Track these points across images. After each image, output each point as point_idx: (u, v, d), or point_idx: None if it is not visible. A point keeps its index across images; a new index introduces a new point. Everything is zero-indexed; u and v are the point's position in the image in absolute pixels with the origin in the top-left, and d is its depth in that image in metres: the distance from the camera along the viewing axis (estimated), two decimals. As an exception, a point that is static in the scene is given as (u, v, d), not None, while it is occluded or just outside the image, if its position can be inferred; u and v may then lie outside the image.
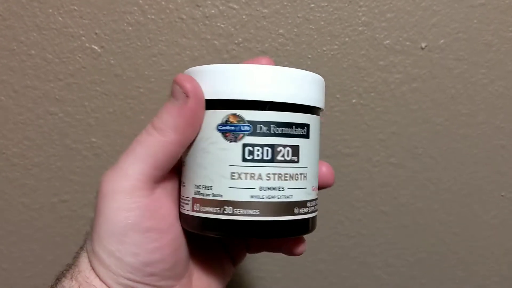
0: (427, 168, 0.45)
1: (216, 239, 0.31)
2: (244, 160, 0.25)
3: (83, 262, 0.26)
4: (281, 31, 0.43)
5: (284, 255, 0.32)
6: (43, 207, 0.44)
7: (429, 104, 0.44)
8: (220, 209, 0.25)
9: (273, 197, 0.25)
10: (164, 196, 0.27)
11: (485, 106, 0.45)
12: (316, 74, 0.27)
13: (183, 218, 0.28)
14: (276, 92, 0.25)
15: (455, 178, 0.46)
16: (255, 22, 0.43)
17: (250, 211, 0.25)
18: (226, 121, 0.25)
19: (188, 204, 0.27)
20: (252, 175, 0.25)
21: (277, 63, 0.43)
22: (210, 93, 0.26)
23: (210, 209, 0.26)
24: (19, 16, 0.42)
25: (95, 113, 0.43)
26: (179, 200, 0.28)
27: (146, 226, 0.25)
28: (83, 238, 0.28)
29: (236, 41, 0.43)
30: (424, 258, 0.47)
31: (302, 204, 0.27)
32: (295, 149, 0.26)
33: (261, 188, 0.25)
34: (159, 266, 0.26)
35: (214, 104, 0.26)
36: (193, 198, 0.27)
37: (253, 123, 0.25)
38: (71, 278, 0.26)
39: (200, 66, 0.26)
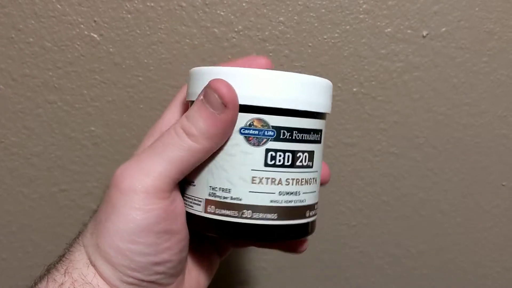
0: (428, 157, 0.45)
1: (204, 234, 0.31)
2: (266, 165, 0.25)
3: (80, 258, 0.25)
4: (281, 19, 0.42)
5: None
6: (43, 196, 0.44)
7: (430, 93, 0.44)
8: (238, 213, 0.25)
9: (290, 201, 0.26)
10: (178, 197, 0.27)
11: (487, 95, 0.44)
12: (327, 80, 0.28)
13: (191, 218, 0.27)
14: (300, 100, 0.26)
15: (456, 167, 0.45)
16: (255, 9, 0.42)
17: (269, 215, 0.25)
18: (250, 125, 0.25)
19: (199, 205, 0.27)
20: (273, 180, 0.25)
21: (277, 51, 0.43)
22: None
23: (227, 212, 0.26)
24: (17, 4, 0.41)
25: (94, 102, 0.43)
26: (183, 198, 0.28)
27: (161, 228, 0.25)
28: (79, 230, 0.27)
29: (236, 29, 0.42)
30: (426, 248, 0.46)
31: (312, 207, 0.27)
32: (311, 155, 0.27)
33: (280, 193, 0.26)
34: (166, 265, 0.26)
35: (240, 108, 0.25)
36: (206, 199, 0.26)
37: (277, 129, 0.25)
38: (65, 273, 0.25)
39: (221, 68, 0.26)
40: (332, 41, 0.43)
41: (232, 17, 0.42)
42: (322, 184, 0.31)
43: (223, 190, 0.26)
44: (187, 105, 0.28)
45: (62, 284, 0.24)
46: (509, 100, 0.45)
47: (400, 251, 0.46)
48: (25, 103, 0.42)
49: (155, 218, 0.24)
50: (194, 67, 0.27)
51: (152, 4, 0.42)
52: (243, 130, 0.25)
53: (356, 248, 0.46)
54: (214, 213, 0.26)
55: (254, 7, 0.42)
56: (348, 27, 0.43)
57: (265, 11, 0.42)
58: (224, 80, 0.24)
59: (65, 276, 0.25)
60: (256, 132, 0.25)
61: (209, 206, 0.26)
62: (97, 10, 0.41)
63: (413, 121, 0.44)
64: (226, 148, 0.26)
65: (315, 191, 0.27)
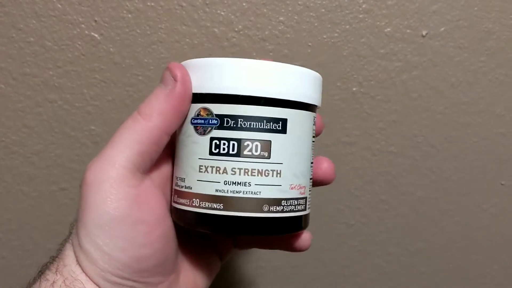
0: (427, 156, 0.45)
1: (203, 235, 0.31)
2: (211, 153, 0.25)
3: (69, 255, 0.25)
4: (281, 18, 0.43)
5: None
6: (42, 195, 0.44)
7: (429, 92, 0.44)
8: (189, 201, 0.26)
9: (238, 192, 0.25)
10: (153, 188, 0.26)
11: (486, 94, 0.45)
12: (301, 68, 0.27)
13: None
14: (244, 86, 0.25)
15: (455, 166, 0.46)
16: (255, 9, 0.42)
17: (215, 205, 0.25)
18: (198, 115, 0.26)
19: (172, 195, 0.28)
20: (218, 169, 0.25)
21: (277, 51, 0.43)
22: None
23: (183, 200, 0.26)
24: (17, 3, 0.41)
25: (94, 101, 0.43)
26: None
27: (135, 218, 0.25)
28: (69, 229, 0.27)
29: (236, 29, 0.42)
30: (424, 247, 0.47)
31: (273, 201, 0.26)
32: (266, 144, 0.25)
33: (226, 183, 0.25)
34: (149, 262, 0.25)
35: (192, 99, 0.26)
36: (174, 189, 0.27)
37: (221, 117, 0.25)
38: (56, 271, 0.25)
39: (183, 62, 0.27)
40: (332, 40, 0.43)
41: (232, 16, 0.42)
42: (326, 183, 0.30)
43: (180, 179, 0.26)
44: None
45: (54, 282, 0.24)
46: (507, 99, 0.45)
47: (399, 249, 0.47)
48: (25, 102, 0.43)
49: (126, 208, 0.24)
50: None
51: (152, 4, 0.42)
52: (193, 120, 0.26)
53: (355, 247, 0.47)
54: (176, 202, 0.27)
55: (254, 6, 0.42)
56: (347, 26, 0.43)
57: (265, 10, 0.42)
58: (179, 63, 0.26)
59: (56, 274, 0.25)
60: (202, 121, 0.26)
61: (174, 195, 0.27)
62: (97, 9, 0.42)
63: (412, 120, 0.45)
64: (182, 138, 0.27)
65: (279, 185, 0.26)
